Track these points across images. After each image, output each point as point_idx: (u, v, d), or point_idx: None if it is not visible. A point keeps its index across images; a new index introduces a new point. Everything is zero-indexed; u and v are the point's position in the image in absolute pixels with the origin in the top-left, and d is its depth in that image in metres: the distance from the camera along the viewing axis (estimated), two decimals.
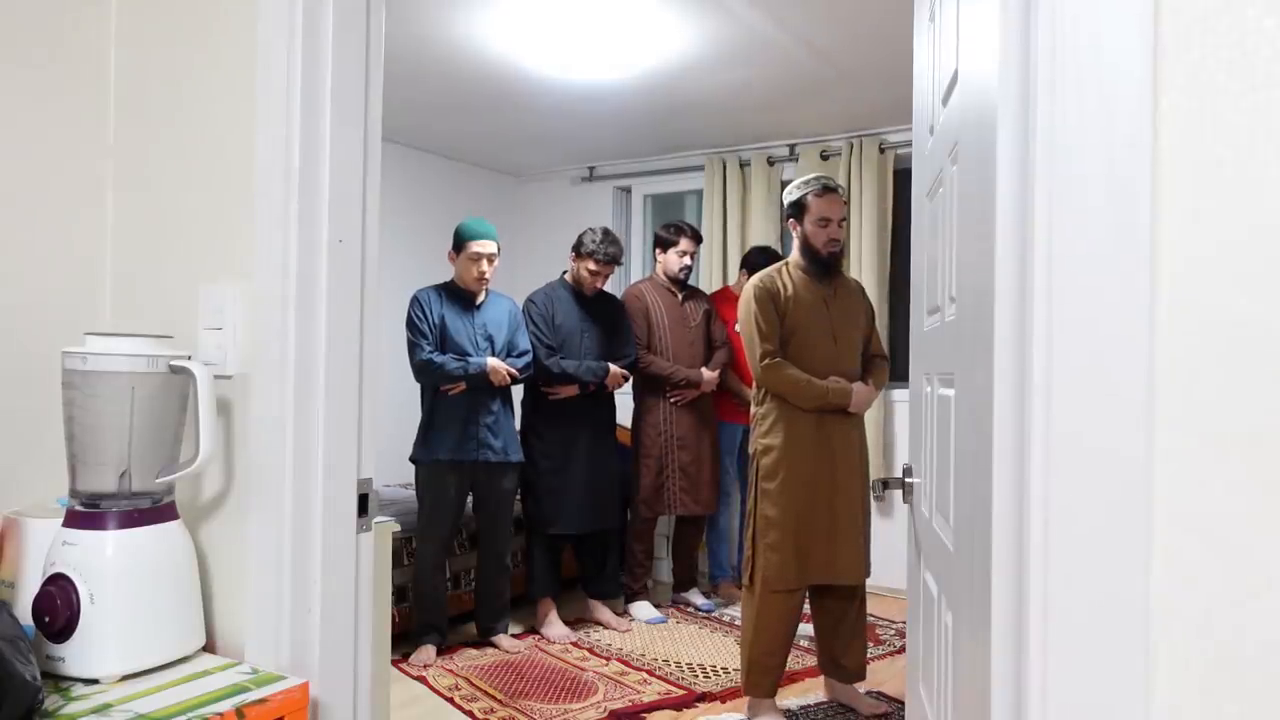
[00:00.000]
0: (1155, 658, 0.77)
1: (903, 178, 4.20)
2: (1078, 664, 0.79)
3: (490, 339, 3.55)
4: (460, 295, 3.55)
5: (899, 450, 4.45)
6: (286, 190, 1.26)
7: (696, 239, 4.11)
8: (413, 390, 3.57)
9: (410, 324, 3.46)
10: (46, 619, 1.14)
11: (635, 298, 4.05)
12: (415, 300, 3.51)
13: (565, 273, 3.88)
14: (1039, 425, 0.81)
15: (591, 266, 3.73)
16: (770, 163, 4.68)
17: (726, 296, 4.32)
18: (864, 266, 4.34)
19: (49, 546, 1.20)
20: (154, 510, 1.23)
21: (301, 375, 1.26)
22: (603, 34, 3.22)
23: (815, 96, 3.90)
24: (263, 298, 1.28)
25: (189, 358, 1.26)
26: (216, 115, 1.36)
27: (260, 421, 1.28)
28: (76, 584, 1.14)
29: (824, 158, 4.49)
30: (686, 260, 4.06)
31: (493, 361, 3.42)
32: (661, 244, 4.09)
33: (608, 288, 3.93)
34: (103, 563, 1.16)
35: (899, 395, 4.41)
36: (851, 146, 4.39)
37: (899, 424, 4.44)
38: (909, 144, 4.05)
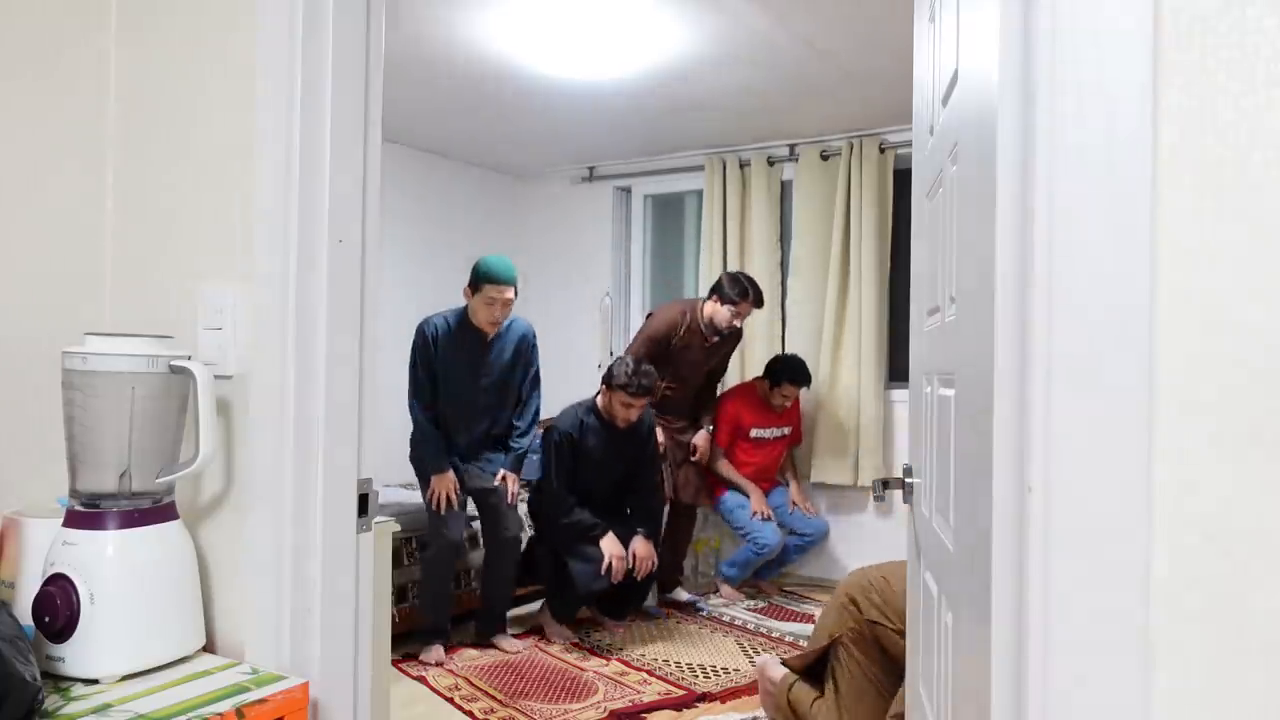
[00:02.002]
0: (1155, 657, 0.77)
1: (903, 178, 4.19)
2: (1078, 663, 0.79)
3: (496, 379, 3.50)
4: (471, 329, 3.44)
5: (899, 450, 4.45)
6: (286, 190, 1.26)
7: (757, 303, 3.97)
8: None
9: (411, 359, 3.42)
10: (46, 619, 1.14)
11: (669, 323, 3.93)
12: (420, 332, 3.41)
13: (597, 395, 3.67)
14: (1039, 425, 0.81)
15: (625, 399, 3.51)
16: (770, 163, 4.68)
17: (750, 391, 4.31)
18: (864, 267, 4.34)
19: (49, 546, 1.20)
20: (154, 510, 1.23)
21: (301, 375, 1.26)
22: (603, 34, 3.21)
23: (815, 97, 3.90)
24: (263, 298, 1.27)
25: (189, 358, 1.26)
26: (217, 115, 1.36)
27: (260, 421, 1.28)
28: (76, 584, 1.14)
29: (824, 158, 4.49)
30: (737, 323, 3.98)
31: (449, 479, 3.37)
32: (720, 296, 3.92)
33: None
34: (103, 563, 1.16)
35: (899, 395, 4.40)
36: (851, 146, 4.38)
37: (899, 424, 4.44)
38: (909, 144, 4.04)
